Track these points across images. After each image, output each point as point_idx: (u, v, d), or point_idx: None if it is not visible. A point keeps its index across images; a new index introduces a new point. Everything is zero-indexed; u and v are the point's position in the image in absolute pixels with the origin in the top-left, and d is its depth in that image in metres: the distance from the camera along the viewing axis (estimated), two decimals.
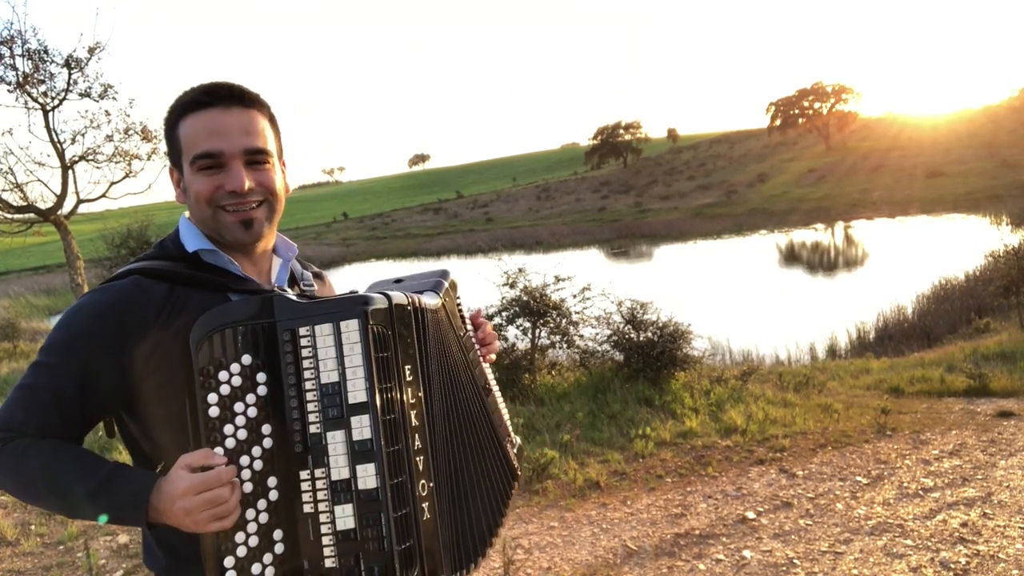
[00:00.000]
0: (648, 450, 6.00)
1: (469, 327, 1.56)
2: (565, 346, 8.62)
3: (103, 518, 1.14)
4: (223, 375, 1.13)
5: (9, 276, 43.93)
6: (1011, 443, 5.78)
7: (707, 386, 7.77)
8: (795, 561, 3.98)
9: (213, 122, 1.27)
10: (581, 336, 8.60)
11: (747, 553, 4.12)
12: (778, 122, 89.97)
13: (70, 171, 14.75)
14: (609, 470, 5.63)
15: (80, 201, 15.35)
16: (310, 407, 1.15)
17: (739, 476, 5.42)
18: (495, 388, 1.60)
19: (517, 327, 8.33)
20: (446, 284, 1.47)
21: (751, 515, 4.66)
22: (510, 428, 1.63)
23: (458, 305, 1.52)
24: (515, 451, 1.61)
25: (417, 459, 1.21)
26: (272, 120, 1.37)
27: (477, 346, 1.57)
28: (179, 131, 1.29)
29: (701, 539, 4.36)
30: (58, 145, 14.61)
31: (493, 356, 1.63)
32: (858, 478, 5.23)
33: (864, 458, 5.66)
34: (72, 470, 1.16)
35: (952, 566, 3.80)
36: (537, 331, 8.32)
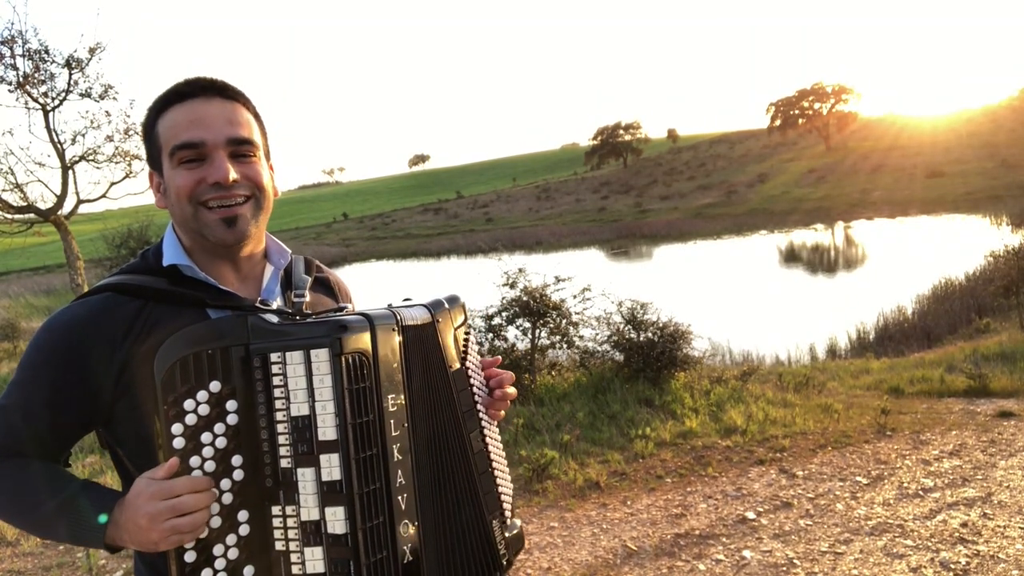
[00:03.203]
0: (648, 450, 6.00)
1: (472, 366, 1.37)
2: (565, 346, 8.62)
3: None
4: (189, 404, 1.05)
5: (9, 276, 43.95)
6: (1011, 443, 5.78)
7: (707, 386, 7.77)
8: (795, 561, 3.98)
9: (194, 112, 1.19)
10: (581, 336, 8.60)
11: (747, 553, 4.12)
12: (778, 122, 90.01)
13: (70, 171, 14.77)
14: (609, 470, 5.63)
15: (80, 201, 15.38)
16: (281, 439, 1.07)
17: (739, 476, 5.42)
18: (494, 446, 1.38)
19: (517, 327, 8.33)
20: (446, 305, 1.32)
21: (751, 515, 4.66)
22: (507, 503, 1.36)
23: (466, 339, 1.36)
24: (504, 535, 1.32)
25: (399, 498, 1.12)
26: (257, 117, 1.29)
27: (477, 390, 1.37)
28: (158, 127, 1.21)
29: (701, 539, 4.36)
30: (58, 145, 14.62)
31: (501, 412, 1.42)
32: (858, 478, 5.22)
33: (864, 458, 5.66)
34: (40, 487, 1.14)
35: (952, 566, 3.80)
36: (537, 331, 8.32)
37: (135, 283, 1.21)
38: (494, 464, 1.36)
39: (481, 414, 1.36)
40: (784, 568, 3.92)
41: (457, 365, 1.32)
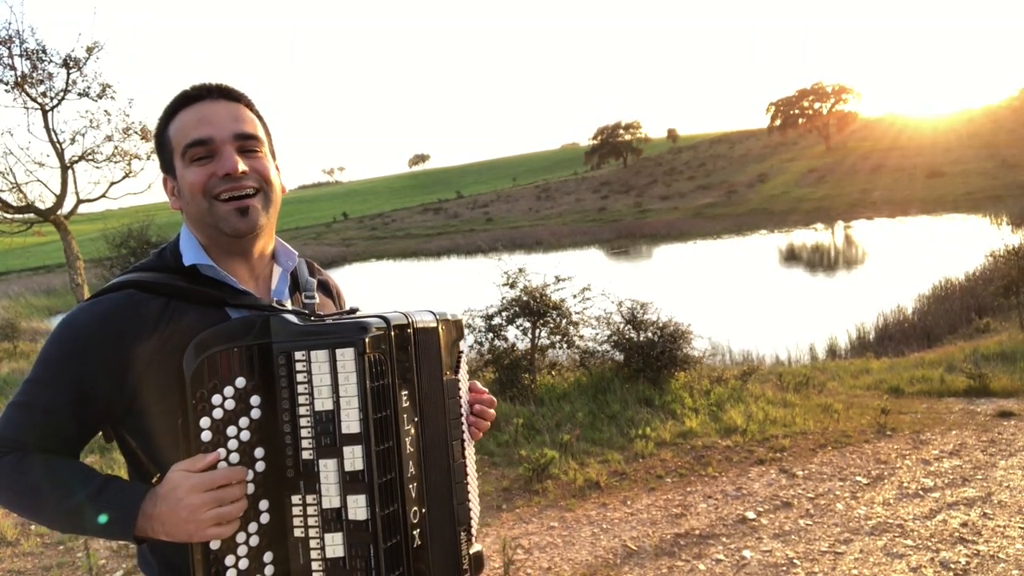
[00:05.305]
0: (648, 450, 6.00)
1: (462, 379, 1.43)
2: (565, 346, 8.62)
3: (103, 518, 1.12)
4: (216, 399, 1.10)
5: (9, 276, 43.98)
6: (1011, 443, 5.78)
7: (707, 386, 7.77)
8: (795, 561, 3.98)
9: (201, 113, 1.25)
10: (581, 336, 8.59)
11: (747, 553, 4.12)
12: (778, 122, 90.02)
13: (70, 171, 14.76)
14: (609, 470, 5.63)
15: (80, 201, 15.37)
16: (303, 432, 1.13)
17: (739, 476, 5.42)
18: (471, 463, 1.43)
19: (517, 327, 8.33)
20: (448, 317, 1.40)
21: (751, 515, 4.66)
22: (474, 521, 1.42)
23: (460, 355, 1.42)
24: (469, 550, 1.38)
25: (410, 486, 1.20)
26: (261, 119, 1.34)
27: (463, 402, 1.42)
28: (169, 131, 1.28)
29: (701, 539, 4.36)
30: (57, 145, 14.62)
31: (480, 433, 1.48)
32: (858, 478, 5.23)
33: (864, 458, 5.66)
34: (64, 482, 1.15)
35: (952, 566, 3.80)
36: (537, 331, 8.32)
37: (157, 280, 1.24)
38: (468, 479, 1.41)
39: (464, 428, 1.42)
40: (784, 568, 3.92)
41: (450, 374, 1.38)
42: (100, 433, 1.28)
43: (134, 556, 4.43)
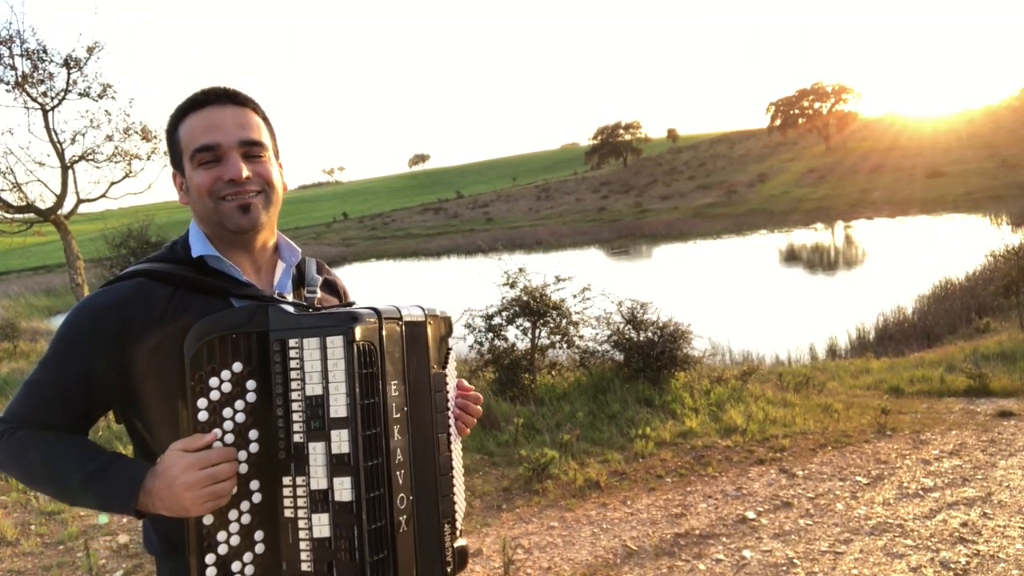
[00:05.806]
0: (648, 450, 6.00)
1: (449, 374, 1.46)
2: (565, 346, 8.61)
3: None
4: (214, 381, 1.16)
5: (9, 276, 43.98)
6: (1011, 443, 5.78)
7: (707, 386, 7.77)
8: (795, 561, 3.98)
9: (210, 118, 1.33)
10: (581, 336, 8.58)
11: (747, 553, 4.12)
12: (778, 122, 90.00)
13: (70, 171, 14.76)
14: (609, 470, 5.63)
15: (80, 201, 15.37)
16: (295, 416, 1.18)
17: (739, 476, 5.42)
18: (456, 457, 1.45)
19: (517, 327, 8.32)
20: (437, 313, 1.44)
21: (751, 515, 4.66)
22: (459, 515, 1.44)
23: (448, 351, 1.45)
24: (453, 544, 1.39)
25: (397, 473, 1.24)
26: (266, 120, 1.42)
27: (451, 397, 1.45)
28: (179, 132, 1.35)
29: (701, 539, 4.36)
30: (58, 145, 14.62)
31: (467, 429, 1.52)
32: (858, 478, 5.23)
33: (864, 458, 5.66)
34: (71, 457, 1.22)
35: (952, 566, 3.80)
36: (537, 331, 8.31)
37: (166, 271, 1.32)
38: (454, 473, 1.44)
39: (450, 422, 1.45)
40: (784, 568, 3.92)
41: (438, 368, 1.42)
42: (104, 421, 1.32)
43: (134, 556, 4.43)
